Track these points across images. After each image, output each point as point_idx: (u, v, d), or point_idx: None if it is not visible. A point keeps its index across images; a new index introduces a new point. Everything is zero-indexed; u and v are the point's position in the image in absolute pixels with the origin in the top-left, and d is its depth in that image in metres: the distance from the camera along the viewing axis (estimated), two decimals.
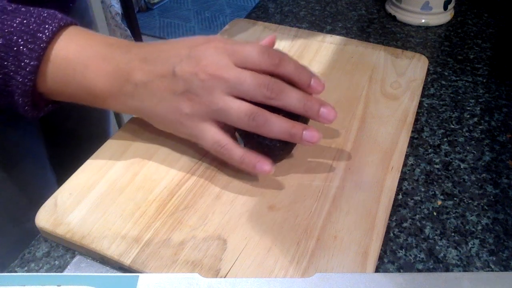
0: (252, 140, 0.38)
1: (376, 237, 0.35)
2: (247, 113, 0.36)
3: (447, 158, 0.45)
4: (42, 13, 0.36)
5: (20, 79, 0.35)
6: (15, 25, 0.35)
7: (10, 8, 0.36)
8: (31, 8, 0.36)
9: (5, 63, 0.35)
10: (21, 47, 0.35)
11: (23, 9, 0.36)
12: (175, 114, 0.38)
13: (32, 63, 0.35)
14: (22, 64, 0.35)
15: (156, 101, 0.38)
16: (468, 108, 0.51)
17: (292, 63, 0.38)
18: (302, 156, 0.42)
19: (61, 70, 0.37)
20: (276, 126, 0.36)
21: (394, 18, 0.67)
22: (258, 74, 0.36)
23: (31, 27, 0.35)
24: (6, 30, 0.35)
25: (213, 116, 0.37)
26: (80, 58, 0.37)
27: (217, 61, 0.36)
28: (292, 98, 0.37)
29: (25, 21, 0.35)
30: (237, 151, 0.38)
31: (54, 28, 0.36)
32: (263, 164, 0.37)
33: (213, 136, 0.38)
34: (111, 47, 0.38)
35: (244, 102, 0.36)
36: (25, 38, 0.35)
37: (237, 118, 0.36)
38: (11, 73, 0.35)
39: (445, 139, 0.47)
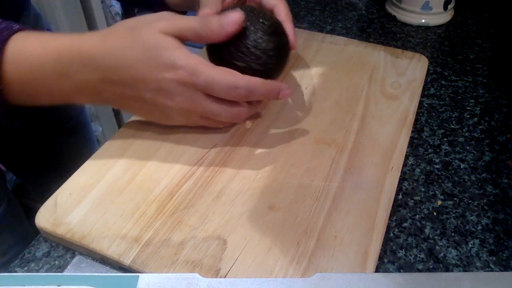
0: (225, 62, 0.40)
1: (376, 237, 0.35)
2: (231, 117, 0.41)
3: (447, 158, 0.45)
4: None
5: None
6: None
7: None
8: None
9: None
10: None
11: None
12: (165, 120, 0.42)
13: None
14: None
15: (138, 112, 0.43)
16: (468, 108, 0.51)
17: (258, 89, 0.38)
18: (302, 156, 0.42)
19: (26, 89, 0.37)
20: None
21: (394, 18, 0.67)
22: (229, 108, 0.39)
23: None
24: None
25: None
26: (38, 79, 0.37)
27: (189, 97, 0.38)
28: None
29: None
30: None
31: None
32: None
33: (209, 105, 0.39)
34: (60, 62, 0.36)
35: (225, 105, 0.39)
36: None
37: (222, 121, 0.42)
38: None
39: (445, 139, 0.47)
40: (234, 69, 0.38)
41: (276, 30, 0.41)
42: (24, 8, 0.60)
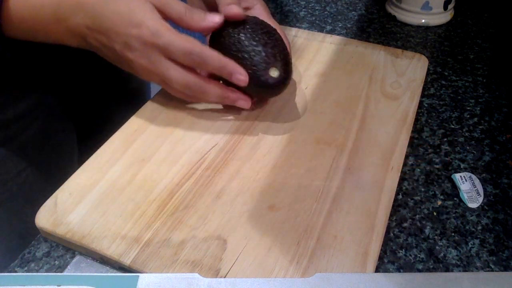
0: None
1: (376, 237, 0.35)
2: (183, 85, 0.42)
3: (447, 158, 0.45)
4: None
5: None
6: None
7: None
8: None
9: None
10: None
11: None
12: (133, 72, 0.44)
13: None
14: None
15: (112, 61, 0.44)
16: (468, 108, 0.51)
17: (211, 60, 0.41)
18: (302, 156, 0.42)
19: (23, 26, 0.41)
20: (211, 94, 0.43)
21: (394, 18, 0.67)
22: (184, 74, 0.41)
23: None
24: None
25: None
26: (36, 19, 0.40)
27: (148, 55, 0.41)
28: (211, 98, 0.44)
29: None
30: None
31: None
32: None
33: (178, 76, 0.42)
34: (59, 8, 0.40)
35: (182, 71, 0.41)
36: None
37: (177, 88, 0.43)
38: None
39: (445, 139, 0.47)
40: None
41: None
42: None
